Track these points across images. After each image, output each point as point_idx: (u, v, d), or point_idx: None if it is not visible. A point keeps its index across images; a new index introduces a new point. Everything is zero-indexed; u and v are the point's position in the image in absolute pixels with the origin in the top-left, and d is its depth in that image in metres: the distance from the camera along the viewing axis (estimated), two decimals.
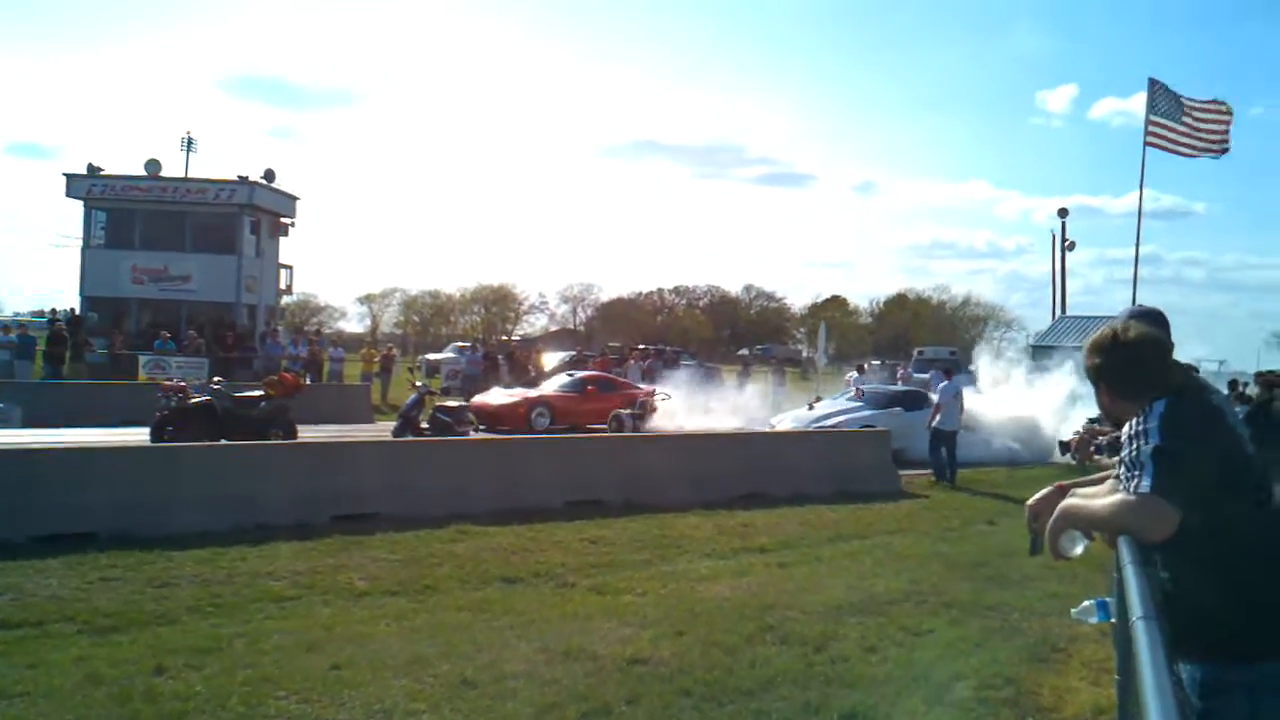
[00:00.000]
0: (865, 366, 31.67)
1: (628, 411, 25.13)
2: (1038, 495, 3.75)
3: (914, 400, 23.71)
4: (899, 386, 27.08)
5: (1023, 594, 9.91)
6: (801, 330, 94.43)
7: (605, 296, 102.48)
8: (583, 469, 15.05)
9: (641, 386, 29.05)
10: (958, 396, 19.79)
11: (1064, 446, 19.52)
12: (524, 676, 6.96)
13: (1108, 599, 3.91)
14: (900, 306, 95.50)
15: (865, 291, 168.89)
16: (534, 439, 17.02)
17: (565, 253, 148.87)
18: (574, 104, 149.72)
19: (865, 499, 15.89)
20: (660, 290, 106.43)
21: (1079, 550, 3.41)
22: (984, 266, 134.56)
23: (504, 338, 63.21)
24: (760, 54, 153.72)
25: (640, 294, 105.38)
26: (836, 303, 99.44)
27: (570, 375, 29.34)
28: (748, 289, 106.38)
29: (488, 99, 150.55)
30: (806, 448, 18.08)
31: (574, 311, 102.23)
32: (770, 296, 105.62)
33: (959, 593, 10.03)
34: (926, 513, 15.53)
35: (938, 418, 19.39)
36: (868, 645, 8.06)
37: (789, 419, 23.68)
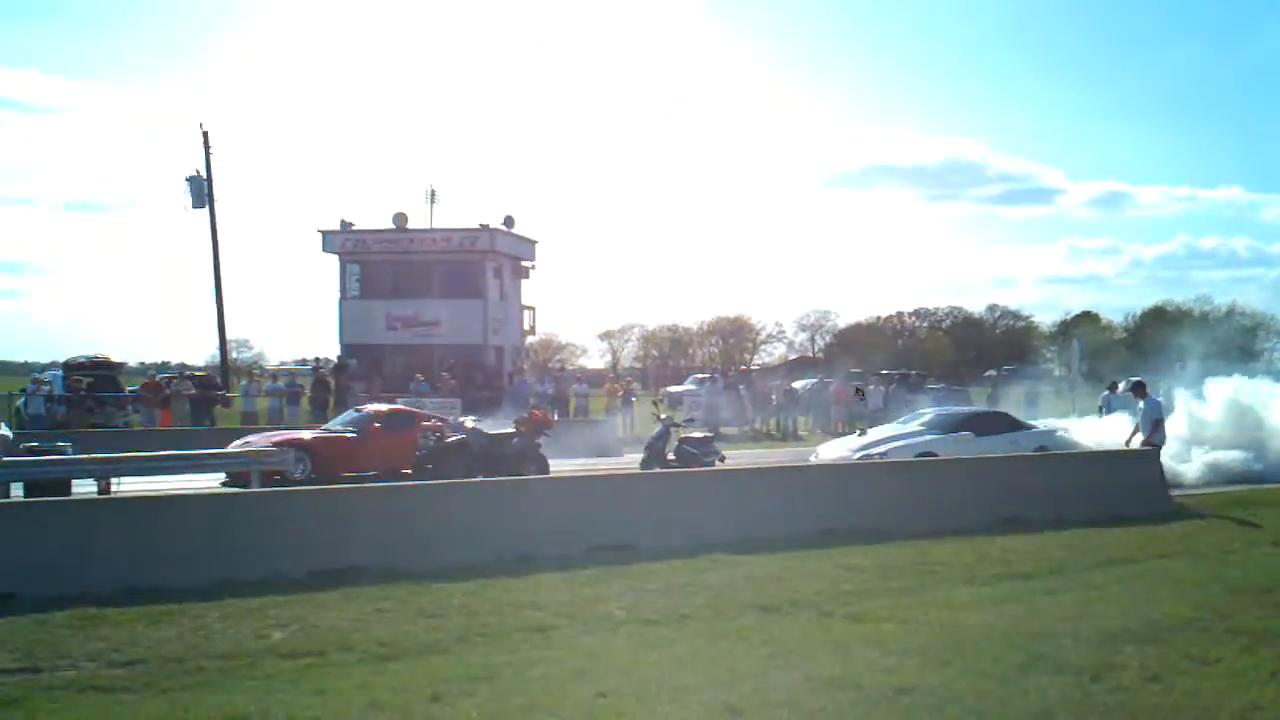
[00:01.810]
0: (1118, 385, 30.16)
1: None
2: None
3: (988, 423, 21.07)
4: (973, 408, 24.37)
5: None
6: (1052, 348, 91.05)
7: (843, 322, 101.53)
8: (829, 496, 14.85)
9: (463, 420, 22.31)
10: (1149, 415, 18.42)
11: None
12: (789, 705, 6.87)
13: None
14: (1159, 320, 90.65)
15: (1118, 306, 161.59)
16: (790, 468, 16.79)
17: (800, 281, 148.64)
18: (799, 134, 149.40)
19: (1133, 521, 15.09)
20: (900, 314, 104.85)
21: None
22: (1249, 274, 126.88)
23: (743, 367, 63.23)
24: (996, 69, 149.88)
25: (879, 318, 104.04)
26: (1088, 319, 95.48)
27: (357, 410, 23.75)
28: (992, 309, 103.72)
29: (714, 133, 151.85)
30: (1065, 469, 17.34)
31: (812, 339, 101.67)
32: (1016, 315, 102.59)
33: (1247, 619, 9.38)
34: (1203, 534, 14.63)
35: (1137, 437, 18.41)
36: (1150, 674, 7.62)
37: (838, 446, 21.16)
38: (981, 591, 10.88)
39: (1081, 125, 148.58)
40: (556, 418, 27.14)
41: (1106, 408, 25.54)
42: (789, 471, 16.43)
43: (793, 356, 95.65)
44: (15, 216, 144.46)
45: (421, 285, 42.20)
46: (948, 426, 20.41)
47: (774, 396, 37.23)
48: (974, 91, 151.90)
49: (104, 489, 18.03)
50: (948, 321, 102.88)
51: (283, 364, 57.15)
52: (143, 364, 50.30)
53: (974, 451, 18.62)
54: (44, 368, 40.38)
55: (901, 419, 22.66)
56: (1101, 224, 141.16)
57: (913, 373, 45.67)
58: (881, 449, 19.40)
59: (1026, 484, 16.20)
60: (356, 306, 42.35)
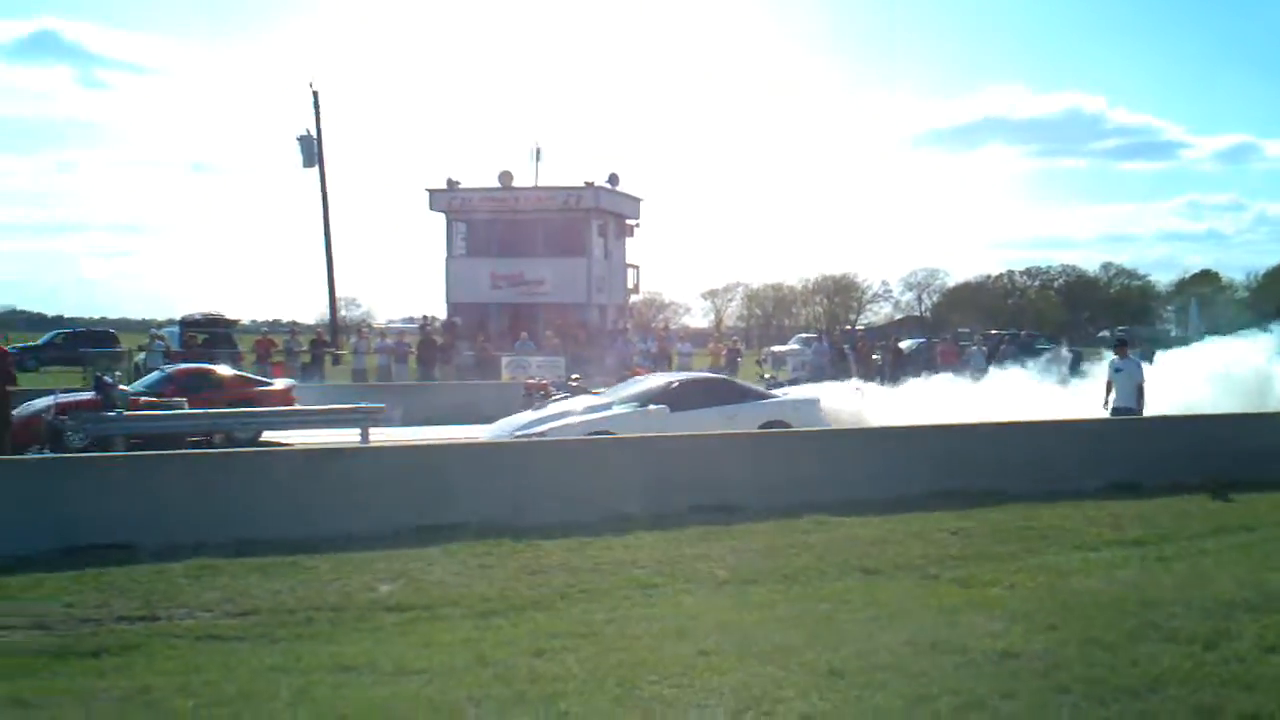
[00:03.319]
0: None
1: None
2: None
3: (700, 394, 17.45)
4: (685, 375, 20.20)
5: None
6: (1169, 309, 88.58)
7: (951, 281, 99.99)
8: (936, 458, 14.63)
9: (274, 383, 22.12)
10: (1132, 377, 17.24)
11: None
12: (892, 668, 6.81)
13: None
14: None
15: (1240, 264, 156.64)
16: (893, 429, 16.50)
17: (907, 240, 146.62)
18: (910, 89, 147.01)
19: (1254, 488, 14.56)
20: (1010, 272, 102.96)
21: None
22: None
23: (848, 327, 62.71)
24: (1119, 19, 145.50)
25: (988, 277, 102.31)
26: (1207, 278, 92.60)
27: (161, 371, 21.90)
28: (1106, 267, 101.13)
29: (822, 90, 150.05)
30: (1176, 433, 16.76)
31: (919, 298, 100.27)
32: (1132, 274, 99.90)
33: None
34: None
35: (1110, 398, 17.25)
36: (1267, 645, 7.36)
37: (504, 423, 17.51)
38: (1090, 557, 10.66)
39: (1209, 76, 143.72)
40: None
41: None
42: (894, 432, 16.14)
43: (899, 316, 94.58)
44: (132, 176, 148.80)
45: (526, 243, 42.45)
46: (643, 398, 17.20)
47: (877, 356, 36.81)
48: (1095, 44, 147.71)
49: (219, 443, 18.66)
50: (1060, 280, 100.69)
51: (390, 322, 57.90)
52: (255, 321, 51.42)
53: (672, 428, 15.79)
54: (161, 324, 41.65)
55: (608, 389, 19.45)
56: (1225, 178, 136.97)
57: (1022, 333, 44.68)
58: (543, 427, 16.24)
59: (1140, 447, 15.76)
60: (462, 265, 42.79)
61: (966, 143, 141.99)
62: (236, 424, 19.10)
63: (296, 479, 12.00)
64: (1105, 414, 17.40)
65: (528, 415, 17.34)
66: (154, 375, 21.65)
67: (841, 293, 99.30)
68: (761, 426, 16.74)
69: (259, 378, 22.84)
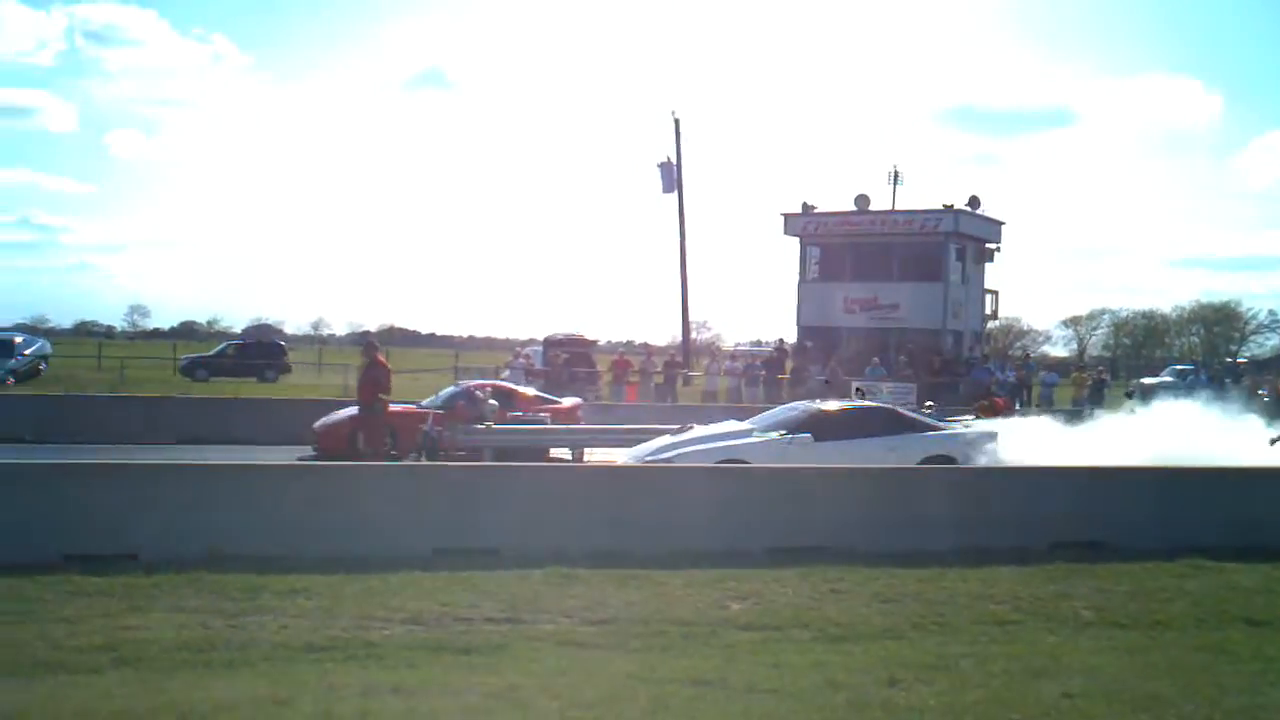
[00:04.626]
0: None
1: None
2: None
3: (852, 424, 16.27)
4: (838, 404, 17.95)
5: None
6: None
7: None
8: None
9: (561, 401, 22.50)
10: None
11: None
12: None
13: None
14: None
15: None
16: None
17: None
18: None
19: None
20: None
21: None
22: None
23: (1229, 358, 58.26)
24: None
25: None
26: None
27: (457, 386, 22.38)
28: None
29: (1187, 107, 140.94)
30: None
31: None
32: None
33: None
34: None
35: None
36: None
37: (641, 450, 16.62)
38: None
39: None
40: (1019, 406, 26.26)
41: None
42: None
43: None
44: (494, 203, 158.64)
45: (881, 268, 41.87)
46: (788, 426, 16.17)
47: (1263, 392, 33.96)
48: None
49: (577, 458, 19.53)
50: None
51: (738, 345, 58.77)
52: (610, 342, 53.46)
53: (815, 459, 14.72)
54: (524, 343, 44.10)
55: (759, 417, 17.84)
56: None
57: None
58: (672, 453, 15.49)
59: None
60: (815, 288, 42.73)
61: None
62: (588, 440, 20.01)
63: (646, 495, 12.28)
64: None
65: (666, 439, 16.69)
66: (450, 390, 22.16)
67: (1222, 322, 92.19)
68: (923, 461, 15.58)
69: (549, 395, 23.42)
